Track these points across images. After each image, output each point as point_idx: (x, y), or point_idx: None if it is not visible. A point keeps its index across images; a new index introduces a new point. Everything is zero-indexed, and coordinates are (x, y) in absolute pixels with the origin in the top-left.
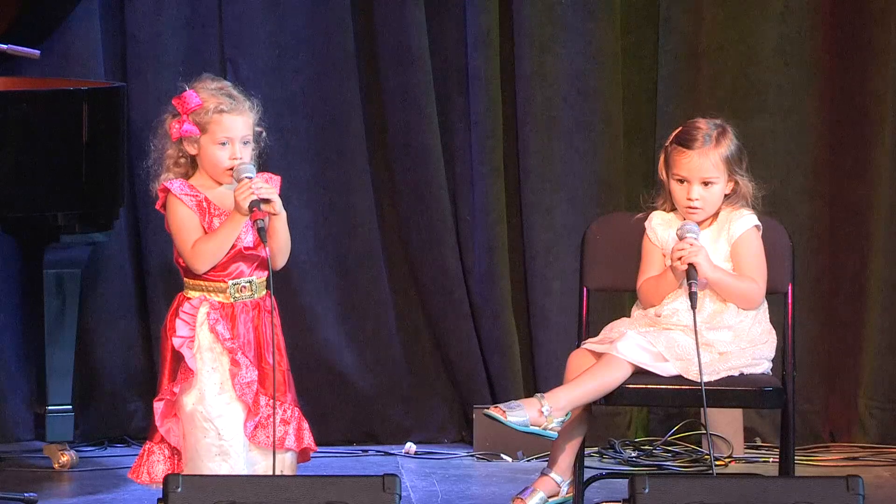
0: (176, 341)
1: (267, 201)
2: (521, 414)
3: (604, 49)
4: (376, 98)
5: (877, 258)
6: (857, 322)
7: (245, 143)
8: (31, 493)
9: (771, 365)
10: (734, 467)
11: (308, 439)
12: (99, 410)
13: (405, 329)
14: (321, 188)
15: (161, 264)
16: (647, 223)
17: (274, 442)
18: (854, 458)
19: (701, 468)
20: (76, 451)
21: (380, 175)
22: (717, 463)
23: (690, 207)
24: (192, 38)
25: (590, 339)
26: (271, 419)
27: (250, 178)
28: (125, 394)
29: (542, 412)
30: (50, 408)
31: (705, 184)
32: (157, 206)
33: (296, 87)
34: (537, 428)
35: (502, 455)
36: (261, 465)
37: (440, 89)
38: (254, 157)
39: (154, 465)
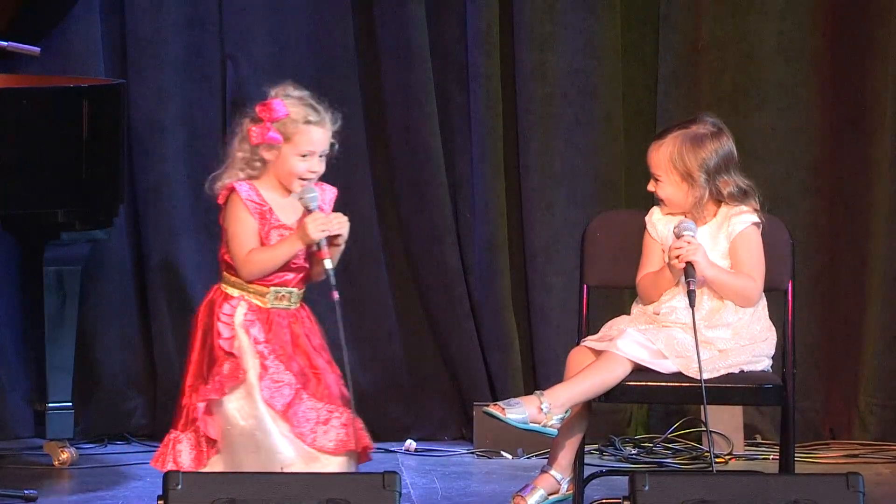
0: (224, 343)
1: (337, 235)
2: (520, 411)
3: (604, 46)
4: (376, 95)
5: (877, 255)
6: (857, 319)
7: (321, 157)
8: (32, 490)
9: (771, 362)
10: (734, 464)
11: (365, 439)
12: (99, 407)
13: (405, 326)
14: None
15: (161, 262)
16: (647, 218)
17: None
18: (854, 456)
19: (701, 465)
20: (76, 448)
21: (380, 172)
22: (717, 460)
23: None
24: (192, 36)
25: (590, 337)
26: (331, 422)
27: (315, 207)
28: (125, 391)
29: (542, 409)
30: (50, 405)
31: (656, 179)
32: (219, 201)
33: (296, 83)
34: (537, 425)
35: (502, 452)
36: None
37: (440, 86)
38: None
39: (181, 454)
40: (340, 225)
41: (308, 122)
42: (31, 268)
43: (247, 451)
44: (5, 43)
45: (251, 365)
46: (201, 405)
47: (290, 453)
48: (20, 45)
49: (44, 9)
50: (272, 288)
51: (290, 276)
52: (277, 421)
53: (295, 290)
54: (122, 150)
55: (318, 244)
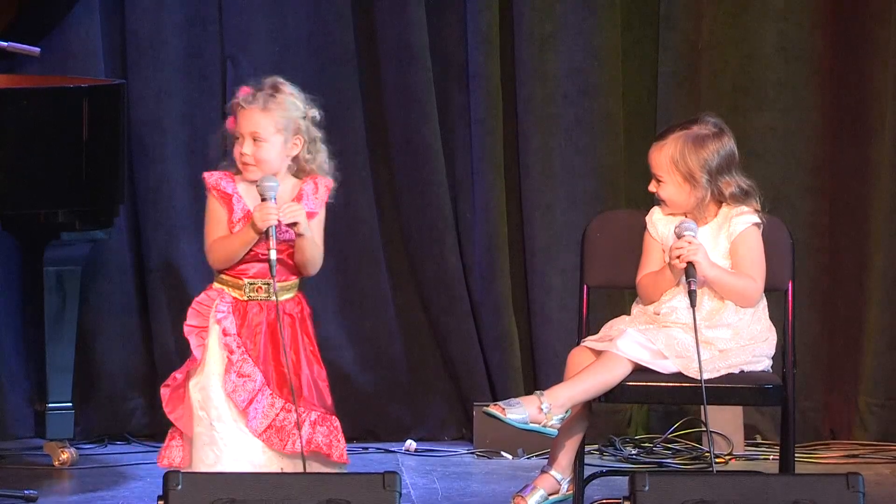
0: (185, 329)
1: (294, 224)
2: (520, 411)
3: (604, 46)
4: (376, 95)
5: (877, 255)
6: (857, 319)
7: (257, 140)
8: (32, 491)
9: (771, 362)
10: (734, 465)
11: (326, 446)
12: (99, 408)
13: (405, 326)
14: None
15: (161, 261)
16: (647, 218)
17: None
18: (854, 456)
19: (701, 465)
20: (76, 448)
21: (380, 172)
22: (717, 460)
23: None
24: (192, 36)
25: (590, 337)
26: (286, 423)
27: (272, 197)
28: (125, 391)
29: (542, 409)
30: (50, 405)
31: (658, 180)
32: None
33: (296, 84)
34: (537, 425)
35: (502, 452)
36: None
37: (440, 86)
38: (309, 158)
39: (173, 451)
40: (292, 214)
41: (239, 106)
42: (31, 268)
43: (202, 445)
44: (5, 43)
45: (216, 358)
46: (165, 390)
47: (246, 450)
48: (20, 45)
49: (44, 9)
50: (247, 280)
51: (265, 267)
52: (237, 416)
53: (272, 282)
54: (122, 150)
55: (267, 233)
